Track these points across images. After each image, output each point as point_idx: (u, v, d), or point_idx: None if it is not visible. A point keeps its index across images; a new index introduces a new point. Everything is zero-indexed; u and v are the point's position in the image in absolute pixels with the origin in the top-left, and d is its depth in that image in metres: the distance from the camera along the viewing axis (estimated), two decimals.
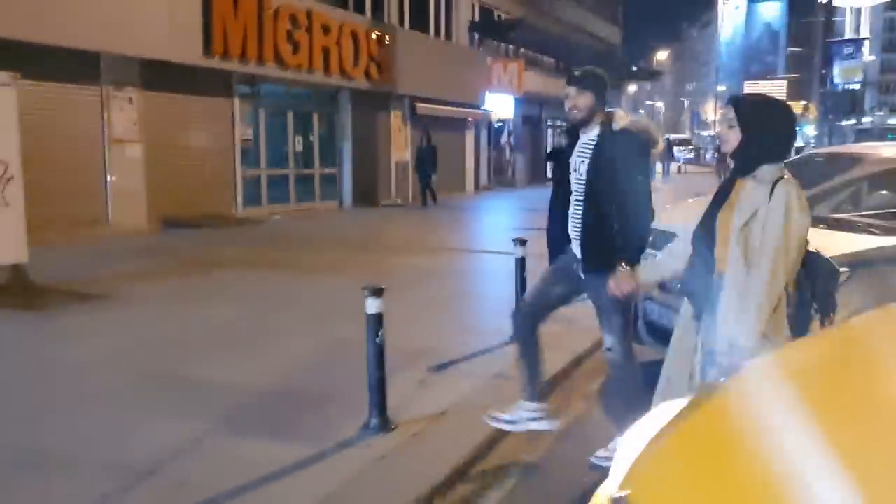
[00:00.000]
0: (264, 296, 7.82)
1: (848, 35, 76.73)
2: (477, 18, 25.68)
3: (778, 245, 2.74)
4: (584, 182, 3.61)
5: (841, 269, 4.17)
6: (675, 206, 9.54)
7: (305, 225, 15.23)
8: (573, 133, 3.77)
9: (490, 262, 10.31)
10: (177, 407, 4.35)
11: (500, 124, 27.91)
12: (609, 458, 3.40)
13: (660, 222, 7.50)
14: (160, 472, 3.50)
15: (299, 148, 17.91)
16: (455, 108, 23.16)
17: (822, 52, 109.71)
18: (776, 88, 22.64)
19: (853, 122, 54.10)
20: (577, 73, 3.66)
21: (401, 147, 21.09)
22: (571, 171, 3.71)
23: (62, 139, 12.04)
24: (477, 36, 25.62)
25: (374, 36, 18.74)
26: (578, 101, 3.59)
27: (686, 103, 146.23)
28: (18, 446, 3.80)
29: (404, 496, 3.31)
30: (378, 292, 3.96)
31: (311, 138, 18.37)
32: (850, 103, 52.90)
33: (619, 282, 3.35)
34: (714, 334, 2.88)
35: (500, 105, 26.20)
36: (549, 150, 31.26)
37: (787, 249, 2.76)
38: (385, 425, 3.96)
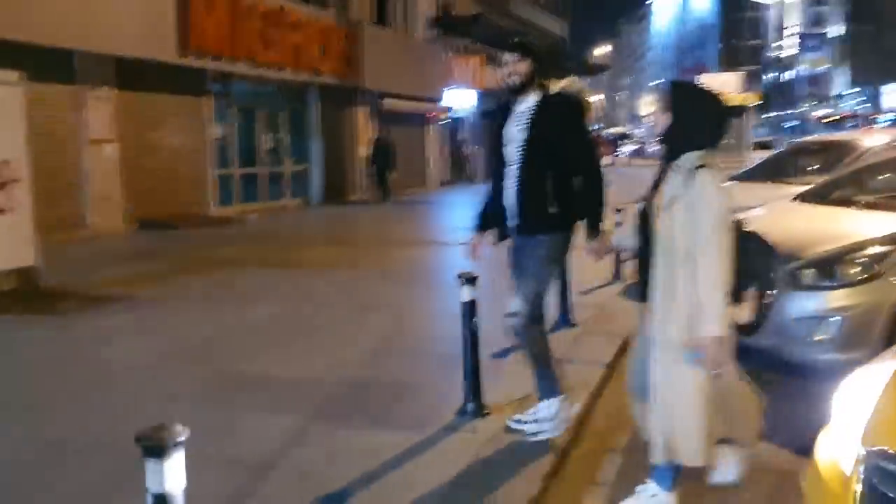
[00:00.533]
0: (289, 292, 7.80)
1: (772, 29, 79.47)
2: (435, 14, 25.74)
3: (715, 229, 2.77)
4: (522, 147, 3.61)
5: (884, 249, 4.47)
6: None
7: (282, 223, 15.15)
8: (505, 107, 3.78)
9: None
10: (264, 402, 4.37)
11: (458, 119, 28.04)
12: (525, 422, 3.75)
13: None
14: (280, 464, 3.54)
15: (269, 146, 17.74)
16: (417, 103, 23.20)
17: (752, 45, 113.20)
18: (729, 81, 23.26)
19: (789, 111, 56.14)
20: (516, 39, 3.73)
21: (366, 143, 21.04)
22: (505, 143, 3.70)
23: (37, 140, 11.67)
24: (435, 31, 25.68)
25: (342, 31, 18.66)
26: (518, 66, 3.61)
27: (617, 98, 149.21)
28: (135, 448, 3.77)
29: (530, 474, 3.42)
30: (472, 280, 4.05)
31: (280, 136, 18.21)
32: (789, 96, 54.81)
33: (597, 245, 3.61)
34: (665, 320, 2.92)
35: (460, 100, 26.34)
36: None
37: (725, 232, 2.80)
38: (480, 410, 4.06)
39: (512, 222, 3.72)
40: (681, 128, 2.91)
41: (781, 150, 12.72)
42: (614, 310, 6.66)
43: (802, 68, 22.71)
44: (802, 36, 22.85)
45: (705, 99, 2.99)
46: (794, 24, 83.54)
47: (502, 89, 3.78)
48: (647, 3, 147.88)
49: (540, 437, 3.70)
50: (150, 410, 4.16)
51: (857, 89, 73.62)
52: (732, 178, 8.56)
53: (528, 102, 3.65)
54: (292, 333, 6.02)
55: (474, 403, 4.07)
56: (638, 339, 3.21)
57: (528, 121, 3.60)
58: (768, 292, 3.13)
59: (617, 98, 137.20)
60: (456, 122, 28.04)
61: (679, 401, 2.92)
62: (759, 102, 25.01)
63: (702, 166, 2.83)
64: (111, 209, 12.93)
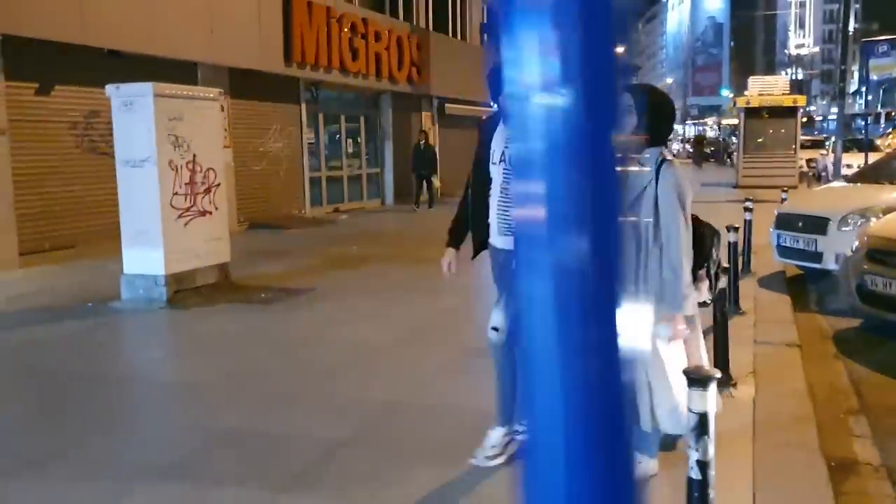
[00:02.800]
0: (451, 285, 8.59)
1: (792, 28, 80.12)
2: (484, 20, 26.58)
3: (679, 216, 3.05)
4: None
5: None
6: (814, 192, 10.67)
7: (371, 222, 15.96)
8: (491, 123, 3.83)
9: None
10: None
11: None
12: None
13: (805, 207, 8.59)
14: None
15: (350, 150, 18.62)
16: (473, 108, 24.03)
17: (765, 44, 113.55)
18: (778, 83, 23.92)
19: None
20: None
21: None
22: (496, 160, 3.66)
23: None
24: (486, 37, 26.52)
25: (414, 40, 19.52)
26: None
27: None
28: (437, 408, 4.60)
29: (808, 423, 4.25)
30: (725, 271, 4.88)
31: (359, 140, 19.08)
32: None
33: None
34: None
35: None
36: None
37: (685, 217, 3.09)
38: (729, 381, 4.88)
39: (500, 241, 3.66)
40: (646, 128, 3.13)
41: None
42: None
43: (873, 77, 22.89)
44: (869, 43, 22.88)
45: (664, 101, 3.29)
46: (813, 23, 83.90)
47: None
48: (658, 1, 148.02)
49: (491, 464, 3.63)
50: (430, 378, 5.00)
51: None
52: (848, 180, 9.33)
53: None
54: None
55: (724, 376, 4.89)
56: None
57: None
58: (716, 270, 3.43)
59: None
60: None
61: (657, 374, 3.20)
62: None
63: (665, 160, 3.11)
64: (229, 211, 13.77)
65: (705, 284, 3.38)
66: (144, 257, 7.56)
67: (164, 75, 12.27)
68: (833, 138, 31.23)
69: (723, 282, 4.58)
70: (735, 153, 41.55)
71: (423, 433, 4.14)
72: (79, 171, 10.97)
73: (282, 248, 12.03)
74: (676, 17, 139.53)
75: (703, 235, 3.24)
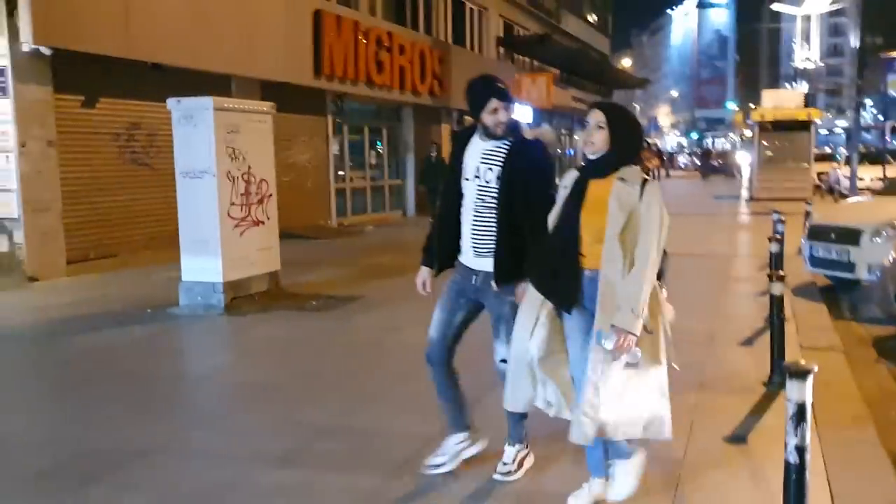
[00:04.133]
0: None
1: (797, 40, 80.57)
2: (501, 34, 26.97)
3: (657, 238, 3.01)
4: (494, 190, 3.45)
5: None
6: (846, 205, 10.94)
7: (396, 233, 16.23)
8: (464, 137, 3.65)
9: None
10: None
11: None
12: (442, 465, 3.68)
13: (838, 219, 8.88)
14: None
15: (373, 161, 18.95)
16: None
17: (770, 58, 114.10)
18: (793, 97, 24.21)
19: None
20: (502, 86, 3.52)
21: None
22: (469, 176, 3.52)
23: None
24: (502, 50, 26.91)
25: (436, 53, 19.88)
26: (509, 114, 3.48)
27: (638, 108, 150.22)
28: None
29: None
30: (781, 278, 5.14)
31: (381, 152, 19.41)
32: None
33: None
34: (583, 327, 3.12)
35: (522, 115, 27.49)
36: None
37: (660, 240, 3.06)
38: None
39: (474, 262, 3.56)
40: (619, 146, 3.12)
41: None
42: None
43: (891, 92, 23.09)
44: (889, 60, 23.03)
45: (634, 119, 3.29)
46: (817, 36, 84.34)
47: (470, 126, 3.66)
48: (663, 15, 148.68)
49: (444, 470, 3.72)
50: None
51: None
52: (876, 193, 9.61)
53: (496, 140, 3.48)
54: None
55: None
56: (578, 339, 3.23)
57: (502, 162, 3.44)
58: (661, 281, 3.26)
59: (637, 108, 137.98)
60: None
61: (606, 376, 3.10)
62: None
63: (647, 180, 3.07)
64: None
65: (669, 308, 3.25)
66: (203, 265, 7.84)
67: (200, 88, 12.58)
68: (841, 150, 31.56)
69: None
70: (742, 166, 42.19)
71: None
72: (120, 181, 11.28)
73: (315, 257, 12.29)
74: (681, 30, 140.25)
75: (664, 253, 3.19)
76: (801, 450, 2.73)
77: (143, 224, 11.58)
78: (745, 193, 25.26)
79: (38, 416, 4.94)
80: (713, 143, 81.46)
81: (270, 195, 8.52)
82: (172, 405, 5.14)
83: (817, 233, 8.60)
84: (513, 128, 3.49)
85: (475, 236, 3.52)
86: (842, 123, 72.01)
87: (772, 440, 4.16)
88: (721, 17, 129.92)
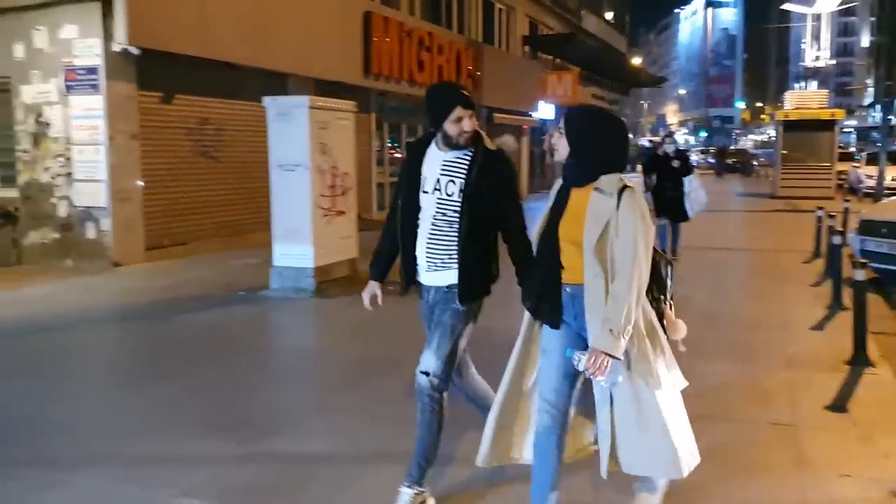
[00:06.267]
0: None
1: (807, 39, 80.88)
2: (527, 32, 27.48)
3: (635, 250, 2.73)
4: (456, 203, 3.24)
5: None
6: (893, 202, 11.43)
7: None
8: (419, 147, 3.38)
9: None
10: None
11: (538, 129, 29.70)
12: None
13: (888, 214, 9.39)
14: None
15: None
16: (518, 117, 24.92)
17: (779, 57, 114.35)
18: (815, 97, 24.63)
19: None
20: (466, 93, 3.31)
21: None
22: (428, 189, 3.29)
23: (263, 153, 13.42)
24: (527, 48, 27.41)
25: (471, 52, 20.42)
26: (473, 122, 3.26)
27: (646, 106, 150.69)
28: None
29: None
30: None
31: None
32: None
33: None
34: (560, 345, 2.93)
35: (547, 113, 28.03)
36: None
37: (646, 252, 2.78)
38: (868, 362, 5.65)
39: (428, 278, 3.36)
40: (583, 154, 2.88)
41: None
42: None
43: None
44: None
45: (601, 124, 2.93)
46: (827, 35, 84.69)
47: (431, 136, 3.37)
48: (670, 13, 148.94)
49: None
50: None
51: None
52: None
53: (456, 152, 3.27)
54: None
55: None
56: (553, 357, 3.03)
57: (465, 175, 3.24)
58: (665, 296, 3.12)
59: (644, 106, 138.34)
60: (536, 132, 29.71)
61: (625, 409, 2.90)
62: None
63: (626, 187, 2.81)
64: None
65: (681, 325, 3.06)
66: (294, 251, 8.40)
67: (261, 85, 13.22)
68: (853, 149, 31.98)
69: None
70: (757, 164, 42.58)
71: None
72: (191, 173, 11.84)
73: (366, 246, 12.80)
74: (689, 28, 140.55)
75: (656, 263, 2.98)
76: None
77: (211, 214, 12.15)
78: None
79: (194, 382, 5.46)
80: (735, 140, 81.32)
81: (351, 188, 9.06)
82: (310, 374, 5.70)
83: (868, 227, 9.12)
84: (474, 138, 3.27)
85: (430, 251, 3.30)
86: (851, 123, 72.38)
87: (870, 408, 4.71)
88: (729, 16, 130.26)
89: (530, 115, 26.50)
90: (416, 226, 3.31)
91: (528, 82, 25.57)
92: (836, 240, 7.71)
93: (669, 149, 10.53)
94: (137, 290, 8.94)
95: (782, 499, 3.56)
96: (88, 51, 10.24)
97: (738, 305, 7.92)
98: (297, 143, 8.27)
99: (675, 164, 10.19)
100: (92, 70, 10.23)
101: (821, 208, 10.68)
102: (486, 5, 23.47)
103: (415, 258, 3.35)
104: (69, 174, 10.56)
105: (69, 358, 6.19)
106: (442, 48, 18.74)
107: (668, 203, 10.08)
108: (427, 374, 3.27)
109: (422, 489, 3.34)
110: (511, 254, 3.32)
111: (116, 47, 10.10)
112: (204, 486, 3.68)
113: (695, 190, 9.93)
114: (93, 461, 4.01)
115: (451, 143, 3.24)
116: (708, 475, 3.50)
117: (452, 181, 3.24)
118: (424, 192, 3.29)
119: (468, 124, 3.21)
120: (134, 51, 10.20)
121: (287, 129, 8.33)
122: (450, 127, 3.20)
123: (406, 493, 3.31)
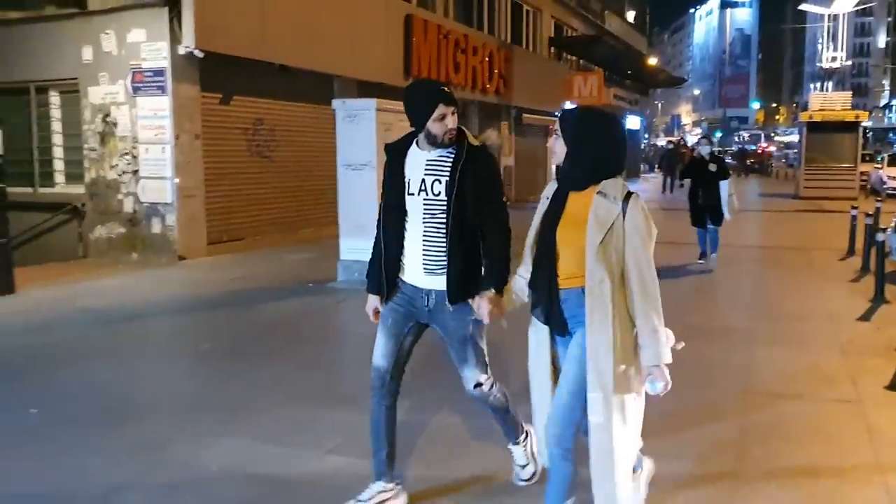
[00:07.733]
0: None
1: (822, 41, 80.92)
2: (552, 34, 27.92)
3: (648, 256, 2.73)
4: (443, 203, 3.16)
5: None
6: None
7: None
8: (400, 149, 3.29)
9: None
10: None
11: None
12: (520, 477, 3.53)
13: None
14: None
15: None
16: (544, 117, 25.36)
17: (794, 57, 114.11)
18: (839, 99, 24.93)
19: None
20: (448, 90, 3.22)
21: (507, 154, 23.28)
22: (414, 191, 3.20)
23: (313, 152, 13.94)
24: (552, 49, 27.86)
25: (502, 54, 20.91)
26: (455, 120, 3.17)
27: (659, 106, 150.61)
28: None
29: None
30: None
31: None
32: None
33: (491, 308, 3.08)
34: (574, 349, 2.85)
35: None
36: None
37: (651, 256, 2.77)
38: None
39: (424, 280, 3.25)
40: (581, 157, 2.80)
41: None
42: None
43: None
44: None
45: (599, 126, 2.84)
46: (844, 35, 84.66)
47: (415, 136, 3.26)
48: (685, 13, 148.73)
49: (533, 478, 3.59)
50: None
51: None
52: None
53: (440, 150, 3.19)
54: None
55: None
56: (545, 368, 3.03)
57: (450, 172, 3.16)
58: None
59: (659, 106, 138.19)
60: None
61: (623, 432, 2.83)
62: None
63: (631, 193, 2.77)
64: None
65: (670, 333, 2.89)
66: (361, 246, 8.82)
67: (309, 86, 13.75)
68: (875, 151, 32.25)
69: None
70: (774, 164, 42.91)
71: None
72: (247, 171, 12.36)
73: None
74: (703, 28, 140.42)
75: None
76: None
77: (265, 210, 12.67)
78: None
79: (303, 359, 5.93)
80: (764, 140, 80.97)
81: None
82: None
83: None
84: (458, 135, 3.20)
85: (427, 254, 3.21)
86: (866, 124, 72.43)
87: None
88: (744, 16, 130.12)
89: (556, 116, 26.90)
90: (404, 229, 3.23)
91: (554, 83, 26.01)
92: (880, 237, 8.13)
93: (704, 151, 10.58)
94: (209, 282, 9.46)
95: (858, 464, 4.01)
96: (156, 54, 10.77)
97: (783, 299, 8.35)
98: (365, 144, 8.75)
99: (712, 167, 10.29)
100: (159, 72, 10.76)
101: (854, 207, 11.07)
102: (514, 7, 23.94)
103: (399, 262, 3.27)
104: (135, 172, 11.10)
105: (172, 341, 6.70)
106: (476, 50, 19.22)
107: (700, 212, 10.14)
108: (479, 385, 3.34)
109: (524, 445, 3.59)
110: (486, 249, 3.24)
111: (182, 50, 10.63)
112: (345, 446, 4.17)
113: (730, 196, 10.05)
114: (232, 428, 4.48)
115: (436, 143, 3.17)
116: (790, 442, 3.94)
117: (438, 180, 3.17)
118: (410, 194, 3.21)
119: (452, 121, 3.14)
120: (198, 54, 10.72)
121: (355, 130, 8.81)
122: (434, 126, 3.12)
123: (516, 449, 3.61)
